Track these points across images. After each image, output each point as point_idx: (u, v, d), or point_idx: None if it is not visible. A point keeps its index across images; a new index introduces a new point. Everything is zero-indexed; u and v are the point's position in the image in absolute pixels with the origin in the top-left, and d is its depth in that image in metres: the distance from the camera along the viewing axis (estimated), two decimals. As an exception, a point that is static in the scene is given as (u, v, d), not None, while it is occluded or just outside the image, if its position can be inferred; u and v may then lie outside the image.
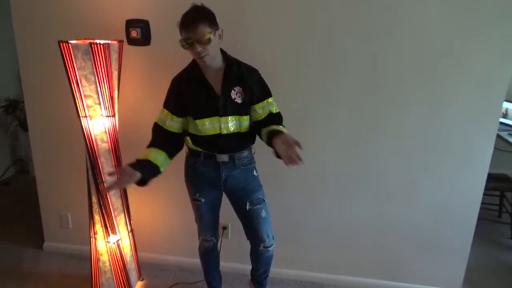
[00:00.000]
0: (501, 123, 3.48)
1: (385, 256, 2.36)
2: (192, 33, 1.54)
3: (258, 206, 1.82)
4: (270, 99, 1.77)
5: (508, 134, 3.37)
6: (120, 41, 1.99)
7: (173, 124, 1.75)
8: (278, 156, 1.57)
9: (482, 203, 2.23)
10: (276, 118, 1.79)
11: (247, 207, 1.81)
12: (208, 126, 1.69)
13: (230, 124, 1.70)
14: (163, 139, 1.77)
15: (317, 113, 2.17)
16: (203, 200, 1.86)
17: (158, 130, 1.78)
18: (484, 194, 2.18)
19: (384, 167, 2.20)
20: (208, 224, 1.96)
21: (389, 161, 2.19)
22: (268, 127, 1.72)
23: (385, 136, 2.16)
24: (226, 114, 1.69)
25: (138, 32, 2.11)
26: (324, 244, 2.39)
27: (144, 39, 2.14)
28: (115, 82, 1.99)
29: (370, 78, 2.08)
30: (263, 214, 1.84)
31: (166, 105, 1.77)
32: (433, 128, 2.11)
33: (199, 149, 1.78)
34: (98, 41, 1.86)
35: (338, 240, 2.37)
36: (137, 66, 2.23)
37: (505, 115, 3.69)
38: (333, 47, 2.06)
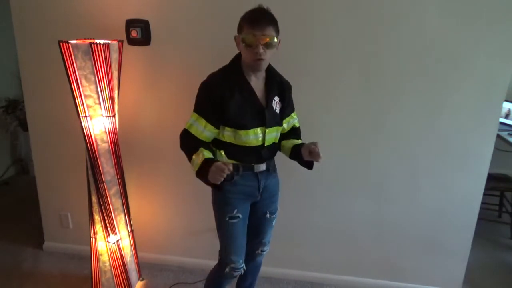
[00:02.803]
0: (501, 123, 3.48)
1: (385, 256, 2.36)
2: (261, 32, 1.46)
3: (274, 215, 1.84)
4: (293, 114, 1.80)
5: (508, 134, 3.37)
6: (120, 41, 1.99)
7: (208, 134, 1.60)
8: (301, 163, 1.70)
9: (482, 203, 2.23)
10: (297, 132, 1.84)
11: (267, 216, 1.80)
12: (252, 137, 1.60)
13: (272, 135, 1.66)
14: (193, 153, 1.58)
15: (317, 114, 2.17)
16: (241, 216, 1.71)
17: (190, 140, 1.60)
18: (484, 194, 2.18)
19: (384, 167, 2.20)
20: (242, 246, 1.76)
21: (389, 161, 2.19)
22: (290, 141, 1.76)
23: (385, 136, 2.16)
24: (271, 125, 1.63)
25: (138, 32, 2.11)
26: (324, 244, 2.39)
27: (144, 39, 2.14)
28: (115, 82, 1.99)
29: (370, 78, 2.08)
30: (274, 222, 1.86)
31: (202, 112, 1.58)
32: (433, 128, 2.11)
33: (236, 162, 1.65)
34: (98, 41, 1.86)
35: (338, 240, 2.37)
36: (137, 66, 2.23)
37: (507, 115, 3.69)
38: (333, 47, 2.06)
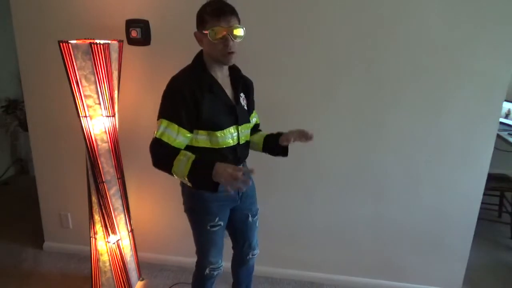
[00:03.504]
0: (501, 123, 3.48)
1: (385, 256, 2.36)
2: (227, 23, 1.40)
3: (256, 218, 1.83)
4: (254, 111, 1.79)
5: (508, 134, 3.37)
6: (120, 41, 1.99)
7: (181, 140, 1.47)
8: (274, 153, 1.71)
9: (482, 203, 2.22)
10: (259, 128, 1.85)
11: (250, 219, 1.79)
12: (228, 137, 1.55)
13: (244, 132, 1.63)
14: (172, 159, 1.43)
15: (317, 114, 2.17)
16: (222, 223, 1.68)
17: (164, 150, 1.44)
18: (484, 194, 2.18)
19: (384, 167, 2.20)
20: (221, 248, 1.76)
21: (390, 161, 2.19)
22: (259, 134, 1.78)
23: (385, 136, 2.16)
24: (243, 122, 1.60)
25: (138, 32, 2.11)
26: (324, 244, 2.39)
27: (144, 39, 2.14)
28: (115, 82, 1.99)
29: (370, 78, 2.08)
30: (257, 224, 1.85)
31: (173, 117, 1.45)
32: (433, 128, 2.11)
33: None
34: (98, 41, 1.86)
35: (338, 240, 2.37)
36: (137, 66, 2.23)
37: (507, 115, 3.69)
38: (334, 48, 2.06)
